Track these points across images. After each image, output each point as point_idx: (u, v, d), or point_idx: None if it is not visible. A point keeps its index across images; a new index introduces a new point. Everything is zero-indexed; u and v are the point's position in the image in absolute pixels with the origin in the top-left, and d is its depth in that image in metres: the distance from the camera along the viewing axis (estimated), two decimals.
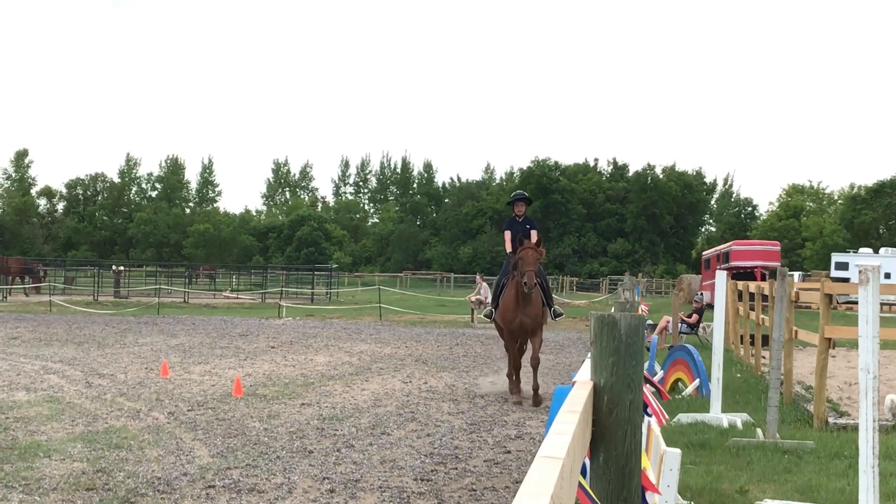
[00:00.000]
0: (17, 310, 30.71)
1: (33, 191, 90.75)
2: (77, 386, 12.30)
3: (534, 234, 11.25)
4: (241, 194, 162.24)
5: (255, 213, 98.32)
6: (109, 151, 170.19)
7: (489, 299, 16.23)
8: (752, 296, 15.11)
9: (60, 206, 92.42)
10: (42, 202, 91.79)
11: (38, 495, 6.57)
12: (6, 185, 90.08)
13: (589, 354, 3.34)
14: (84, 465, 7.38)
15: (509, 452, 8.26)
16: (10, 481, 6.81)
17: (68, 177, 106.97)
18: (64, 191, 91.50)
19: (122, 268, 44.29)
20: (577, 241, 79.48)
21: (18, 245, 76.57)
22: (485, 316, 13.28)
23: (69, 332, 21.73)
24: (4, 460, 7.46)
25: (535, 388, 10.83)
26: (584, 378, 3.57)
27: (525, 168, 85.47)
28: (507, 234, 11.46)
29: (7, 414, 9.66)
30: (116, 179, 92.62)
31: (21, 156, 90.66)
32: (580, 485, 2.39)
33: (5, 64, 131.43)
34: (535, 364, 11.08)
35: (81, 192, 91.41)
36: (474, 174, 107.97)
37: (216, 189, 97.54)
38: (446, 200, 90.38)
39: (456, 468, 7.55)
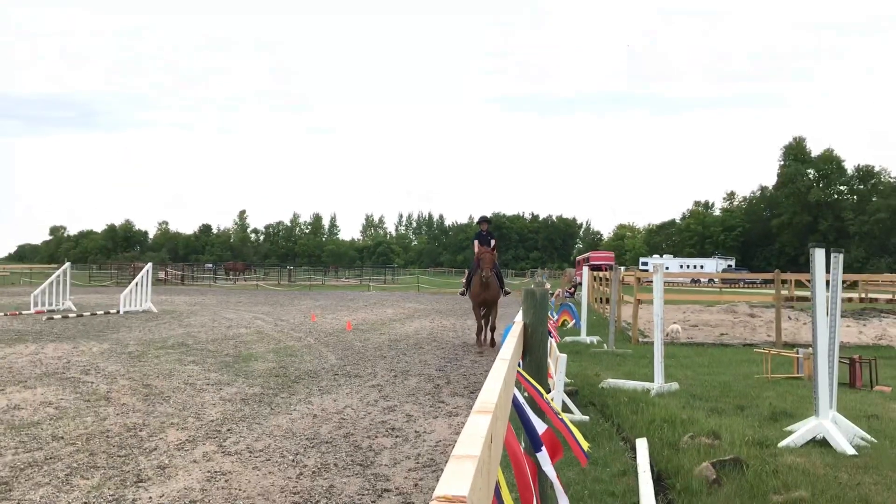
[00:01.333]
0: (238, 289, 50.63)
1: (248, 230, 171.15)
2: (270, 325, 20.06)
3: (493, 243, 16.07)
4: (350, 230, 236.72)
5: (357, 240, 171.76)
6: (284, 208, 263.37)
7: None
8: (600, 279, 29.07)
9: (262, 237, 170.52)
10: (252, 235, 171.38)
11: (251, 380, 10.96)
12: (236, 228, 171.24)
13: (521, 309, 4.48)
14: (273, 365, 12.52)
15: (482, 356, 14.34)
16: (237, 373, 11.56)
17: (266, 221, 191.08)
18: (262, 228, 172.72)
19: (291, 267, 79.85)
20: (515, 252, 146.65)
21: (241, 256, 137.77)
22: (461, 294, 17.79)
23: (265, 299, 35.44)
24: (233, 363, 12.61)
25: (492, 341, 15.53)
26: (519, 320, 4.59)
27: (487, 217, 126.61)
28: (476, 243, 16.36)
29: (235, 340, 16.42)
30: (288, 223, 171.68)
31: (242, 213, 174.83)
32: (518, 371, 3.73)
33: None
34: (492, 329, 15.95)
35: (273, 230, 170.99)
36: (463, 219, 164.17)
37: (337, 228, 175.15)
38: (450, 233, 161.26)
39: (456, 364, 13.20)
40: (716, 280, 58.79)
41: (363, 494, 5.79)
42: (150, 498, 5.61)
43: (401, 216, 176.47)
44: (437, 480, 6.10)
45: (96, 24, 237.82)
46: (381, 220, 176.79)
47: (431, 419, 8.59)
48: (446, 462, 5.98)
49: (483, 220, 16.91)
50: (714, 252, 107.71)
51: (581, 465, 6.01)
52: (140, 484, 5.93)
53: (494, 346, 14.93)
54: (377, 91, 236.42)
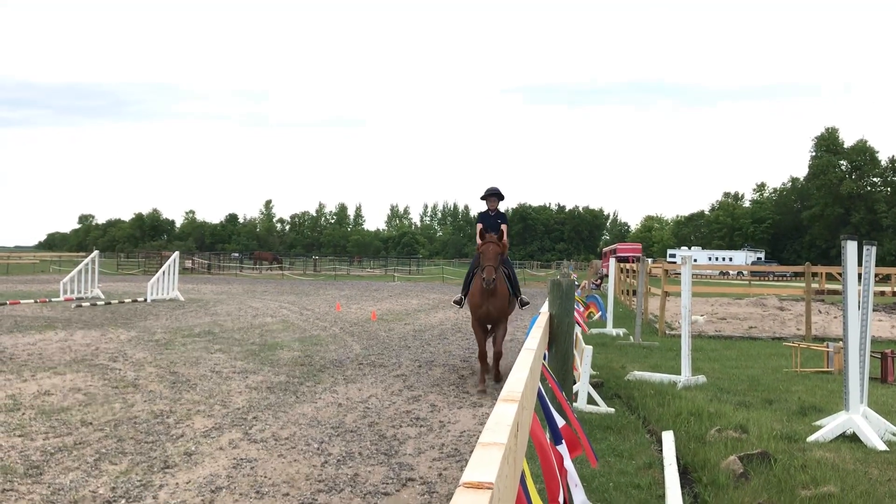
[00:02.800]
0: (264, 278, 50.65)
1: (274, 220, 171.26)
2: (295, 315, 20.17)
3: (503, 229, 10.48)
4: (375, 221, 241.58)
5: (381, 231, 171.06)
6: (310, 198, 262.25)
7: None
8: (627, 271, 28.55)
9: (287, 227, 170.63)
10: (278, 225, 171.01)
11: (276, 368, 11.14)
12: (262, 218, 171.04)
13: (547, 299, 4.68)
14: (299, 354, 12.71)
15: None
16: (263, 361, 11.76)
17: (291, 211, 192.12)
18: (287, 218, 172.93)
19: (316, 258, 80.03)
20: (540, 243, 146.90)
21: (267, 246, 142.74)
22: (454, 302, 11.66)
23: (291, 288, 35.34)
24: (259, 352, 12.81)
25: (497, 374, 10.43)
26: (545, 311, 4.78)
27: (514, 207, 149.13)
28: (479, 227, 10.98)
29: (261, 329, 16.54)
30: (313, 214, 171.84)
31: (268, 202, 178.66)
32: (543, 364, 3.72)
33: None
34: (497, 356, 10.49)
35: (298, 220, 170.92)
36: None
37: (362, 219, 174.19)
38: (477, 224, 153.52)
39: None
40: (745, 273, 58.20)
41: (387, 483, 5.79)
42: (177, 484, 5.65)
43: (426, 207, 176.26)
44: (461, 471, 6.08)
45: (125, 14, 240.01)
46: (405, 211, 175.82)
47: (456, 409, 8.59)
48: (471, 452, 5.93)
49: (490, 193, 11.18)
50: (743, 244, 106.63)
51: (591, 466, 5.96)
52: (167, 470, 5.98)
53: (500, 380, 10.41)
54: (403, 82, 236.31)
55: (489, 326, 10.89)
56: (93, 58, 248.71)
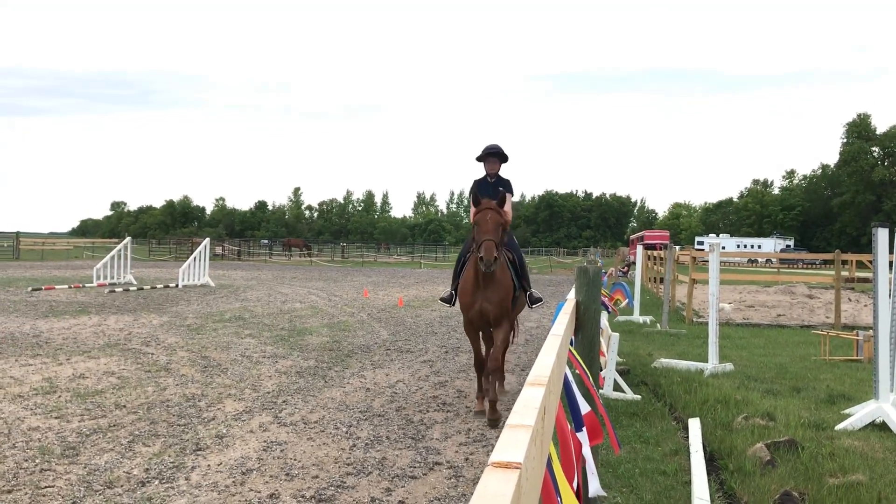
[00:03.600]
0: (293, 265, 51.43)
1: (303, 207, 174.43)
2: (323, 300, 20.32)
3: (507, 199, 7.69)
4: (402, 208, 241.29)
5: (409, 217, 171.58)
6: (338, 185, 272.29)
7: None
8: (655, 258, 28.40)
9: (315, 214, 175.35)
10: (307, 212, 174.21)
11: (305, 353, 11.33)
12: (291, 205, 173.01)
13: (574, 286, 4.56)
14: (327, 339, 12.88)
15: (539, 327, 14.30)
16: (292, 347, 11.92)
17: (320, 198, 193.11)
18: (315, 205, 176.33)
19: (344, 244, 79.09)
20: (567, 230, 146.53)
21: (296, 233, 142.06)
22: (441, 300, 8.67)
23: (319, 275, 35.54)
24: (288, 337, 13.00)
25: (493, 399, 7.46)
26: (571, 297, 4.70)
27: (540, 194, 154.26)
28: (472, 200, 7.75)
29: (290, 315, 16.71)
30: (341, 201, 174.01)
31: (296, 190, 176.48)
32: (571, 350, 3.78)
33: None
34: (494, 367, 7.70)
35: (326, 207, 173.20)
36: (515, 196, 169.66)
37: (389, 206, 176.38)
38: None
39: None
40: (773, 260, 57.64)
41: (415, 467, 5.87)
42: (209, 466, 5.77)
43: (452, 194, 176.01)
44: (488, 455, 6.14)
45: (153, 5, 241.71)
46: (432, 198, 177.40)
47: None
48: (496, 438, 5.98)
49: (489, 153, 8.42)
50: (772, 232, 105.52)
51: (615, 452, 5.99)
52: (199, 452, 6.11)
53: (498, 422, 7.36)
54: (430, 69, 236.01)
55: (490, 330, 8.05)
56: (121, 47, 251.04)
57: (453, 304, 8.49)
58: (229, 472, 5.61)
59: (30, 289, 21.60)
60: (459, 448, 6.44)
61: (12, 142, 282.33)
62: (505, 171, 8.60)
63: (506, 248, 7.89)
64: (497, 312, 7.71)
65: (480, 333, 8.22)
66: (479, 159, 8.56)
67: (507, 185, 8.43)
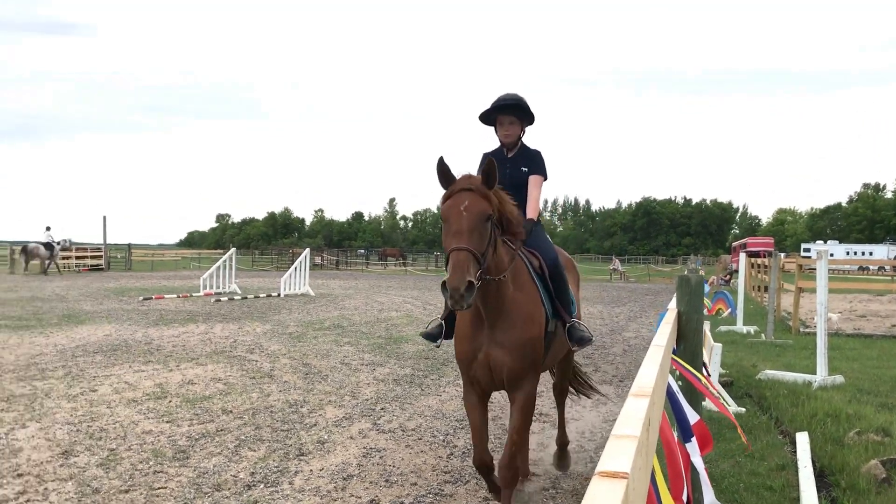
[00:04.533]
0: (388, 274, 54.64)
1: (398, 217, 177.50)
2: (419, 309, 20.56)
3: (532, 181, 5.31)
4: None
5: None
6: (432, 195, 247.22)
7: None
8: (758, 266, 27.24)
9: (410, 224, 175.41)
10: (401, 222, 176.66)
11: (402, 361, 11.36)
12: (386, 215, 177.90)
13: (675, 296, 4.48)
14: (423, 347, 12.78)
15: (638, 337, 13.99)
16: (389, 354, 11.97)
17: (414, 208, 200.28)
18: (410, 215, 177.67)
19: (438, 253, 74.58)
20: (666, 238, 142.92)
21: (391, 242, 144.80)
22: (423, 336, 5.24)
23: (414, 283, 36.52)
24: (385, 345, 13.07)
25: None
26: (672, 307, 4.59)
27: (637, 201, 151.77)
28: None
29: (387, 323, 16.96)
30: (434, 210, 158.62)
31: (391, 200, 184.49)
32: (674, 358, 3.76)
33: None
34: (507, 475, 4.57)
35: (420, 217, 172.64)
36: (610, 203, 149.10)
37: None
38: (596, 218, 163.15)
39: (603, 352, 12.95)
40: (887, 268, 54.88)
41: None
42: (311, 470, 5.92)
43: (546, 202, 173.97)
44: (585, 466, 6.09)
45: (254, 18, 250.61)
46: None
47: (580, 406, 8.56)
48: (595, 449, 5.92)
49: (504, 103, 5.19)
50: (886, 238, 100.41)
51: (745, 451, 5.83)
52: (302, 457, 6.28)
53: None
54: (531, 75, 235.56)
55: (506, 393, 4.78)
56: (221, 60, 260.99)
57: (438, 346, 5.15)
58: (331, 478, 5.74)
59: (141, 298, 22.61)
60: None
61: (124, 158, 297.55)
62: (530, 140, 5.52)
63: (528, 250, 4.92)
64: (515, 365, 4.43)
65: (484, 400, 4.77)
66: (484, 119, 5.37)
67: (534, 162, 5.35)
